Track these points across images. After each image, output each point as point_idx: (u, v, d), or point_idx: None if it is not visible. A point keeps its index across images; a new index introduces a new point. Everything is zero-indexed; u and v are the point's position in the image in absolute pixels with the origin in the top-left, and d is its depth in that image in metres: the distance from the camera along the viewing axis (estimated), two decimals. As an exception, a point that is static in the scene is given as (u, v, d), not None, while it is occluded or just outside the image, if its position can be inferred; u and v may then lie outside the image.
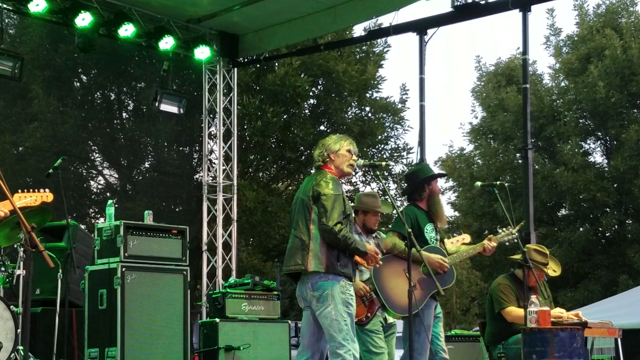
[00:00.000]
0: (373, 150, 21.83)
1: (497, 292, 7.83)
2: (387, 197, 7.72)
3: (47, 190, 6.21)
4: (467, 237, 8.19)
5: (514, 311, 7.66)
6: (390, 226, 7.91)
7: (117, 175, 22.46)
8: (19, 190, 5.97)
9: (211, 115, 14.08)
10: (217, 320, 9.67)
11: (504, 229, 7.64)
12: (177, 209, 21.59)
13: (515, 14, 11.24)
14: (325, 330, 6.20)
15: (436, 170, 7.45)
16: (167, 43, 12.67)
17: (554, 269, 8.10)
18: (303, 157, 21.25)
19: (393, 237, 7.13)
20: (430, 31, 12.07)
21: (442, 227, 7.48)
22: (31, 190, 6.13)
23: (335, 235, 6.11)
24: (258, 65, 18.65)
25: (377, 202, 7.85)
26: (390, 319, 7.73)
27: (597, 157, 26.29)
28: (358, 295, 7.53)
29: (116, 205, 9.24)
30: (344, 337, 6.12)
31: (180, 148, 21.87)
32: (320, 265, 6.15)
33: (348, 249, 6.21)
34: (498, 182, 7.92)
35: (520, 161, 16.34)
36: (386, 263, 7.02)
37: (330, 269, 6.15)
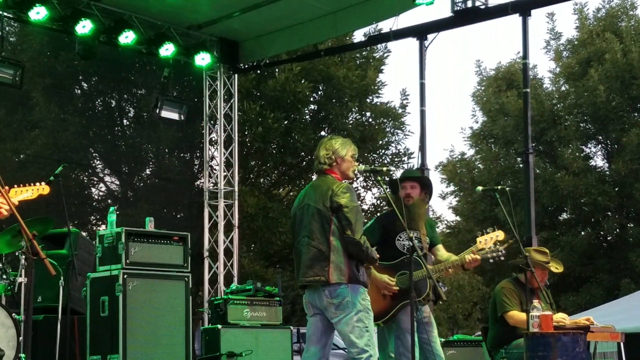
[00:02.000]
0: (374, 155, 21.84)
1: (501, 295, 7.83)
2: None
3: (42, 183, 6.20)
4: (500, 234, 8.12)
5: (516, 315, 7.66)
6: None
7: (118, 182, 22.48)
8: (15, 186, 5.96)
9: (212, 122, 14.09)
10: (219, 326, 9.66)
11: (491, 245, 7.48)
12: (178, 216, 21.60)
13: (515, 19, 11.26)
14: (344, 337, 6.18)
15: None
16: (167, 50, 12.67)
17: (556, 267, 8.07)
18: (304, 162, 21.27)
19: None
20: (430, 36, 12.10)
21: (423, 234, 7.25)
22: (27, 184, 6.12)
23: (361, 248, 6.13)
24: (258, 71, 18.66)
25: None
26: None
27: (598, 161, 26.31)
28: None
29: (117, 212, 9.24)
30: (366, 343, 6.11)
31: (181, 154, 21.89)
32: (342, 276, 6.13)
33: (367, 259, 6.24)
34: (499, 187, 7.90)
35: (521, 165, 16.42)
36: None
37: (353, 279, 6.16)
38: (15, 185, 5.95)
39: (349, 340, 6.15)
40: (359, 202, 6.90)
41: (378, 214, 7.45)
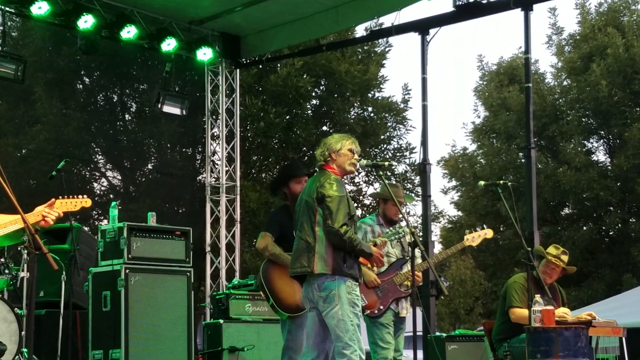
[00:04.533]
0: (376, 150, 21.81)
1: (512, 289, 7.82)
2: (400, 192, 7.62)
3: (85, 196, 6.33)
4: (489, 232, 8.15)
5: (518, 312, 7.65)
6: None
7: (120, 177, 22.47)
8: (60, 197, 6.10)
9: (214, 117, 14.10)
10: (221, 321, 9.67)
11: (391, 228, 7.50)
12: (180, 211, 21.59)
13: (517, 13, 11.24)
14: (331, 330, 6.20)
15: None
16: (169, 45, 12.68)
17: (562, 261, 8.06)
18: (306, 157, 21.24)
19: (266, 237, 7.14)
20: (432, 31, 12.07)
21: None
22: (71, 196, 6.25)
23: (341, 237, 6.12)
24: (260, 66, 18.64)
25: (398, 192, 7.78)
26: (403, 314, 7.78)
27: (600, 156, 26.26)
28: (370, 286, 7.57)
29: (119, 207, 9.25)
30: (351, 337, 6.12)
31: (183, 149, 21.88)
32: (326, 267, 6.15)
33: (354, 250, 6.22)
34: (501, 182, 7.90)
35: (523, 160, 16.40)
36: (273, 264, 7.04)
37: (337, 270, 6.16)
38: (60, 197, 6.08)
39: (335, 334, 6.18)
40: (356, 195, 6.90)
41: (272, 210, 7.51)
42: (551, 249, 8.01)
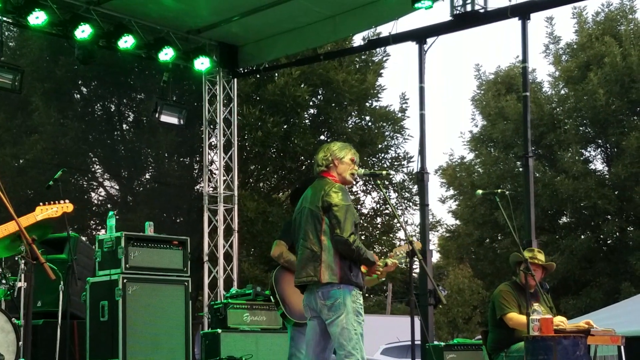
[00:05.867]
0: (373, 159, 21.84)
1: (499, 298, 7.84)
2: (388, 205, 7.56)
3: (67, 201, 6.31)
4: (401, 250, 7.43)
5: (515, 316, 7.66)
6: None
7: (117, 187, 22.49)
8: (41, 203, 6.09)
9: (211, 126, 14.09)
10: (219, 330, 9.66)
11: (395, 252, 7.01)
12: (178, 220, 21.59)
13: (515, 22, 11.26)
14: (334, 339, 6.18)
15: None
16: (166, 54, 12.67)
17: (540, 259, 8.02)
18: (303, 166, 21.27)
19: (280, 245, 7.20)
20: (429, 40, 12.07)
21: None
22: (52, 202, 6.23)
23: (350, 247, 6.10)
24: (258, 76, 18.66)
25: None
26: None
27: (598, 165, 26.31)
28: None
29: (117, 217, 9.24)
30: (354, 346, 6.10)
31: (181, 159, 21.90)
32: (333, 276, 6.13)
33: (360, 259, 6.22)
34: (499, 190, 7.90)
35: (520, 169, 16.40)
36: (285, 270, 7.06)
37: (344, 279, 6.14)
38: (41, 203, 6.07)
39: (338, 342, 6.15)
40: (355, 204, 6.81)
41: (287, 220, 7.53)
42: (526, 253, 8.00)
